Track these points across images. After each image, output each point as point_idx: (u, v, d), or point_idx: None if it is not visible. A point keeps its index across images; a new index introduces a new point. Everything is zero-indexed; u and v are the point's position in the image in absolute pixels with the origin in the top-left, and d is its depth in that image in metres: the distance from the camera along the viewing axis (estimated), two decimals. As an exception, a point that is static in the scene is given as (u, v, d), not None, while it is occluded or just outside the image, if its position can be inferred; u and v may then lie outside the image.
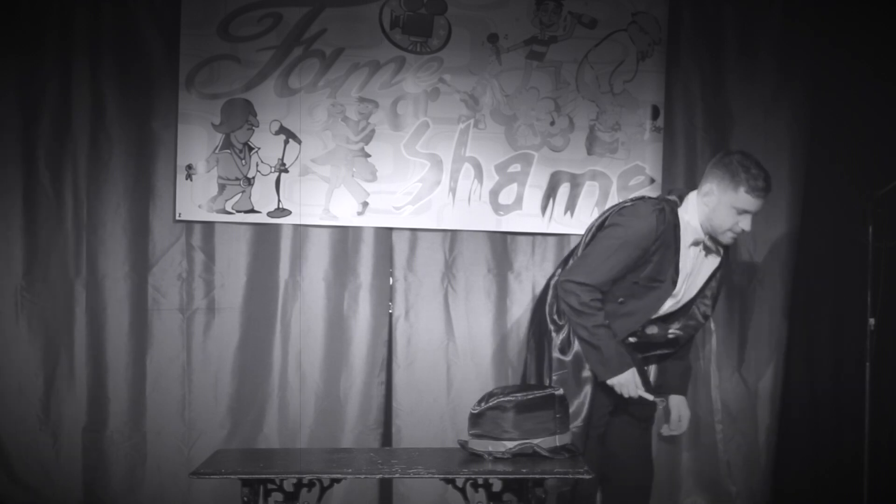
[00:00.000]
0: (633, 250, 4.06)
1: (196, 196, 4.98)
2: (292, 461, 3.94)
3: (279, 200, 4.98)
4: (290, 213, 4.99)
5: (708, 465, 5.05)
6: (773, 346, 5.06)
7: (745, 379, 5.07)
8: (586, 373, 4.13)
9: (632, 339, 4.18)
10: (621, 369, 4.06)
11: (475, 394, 4.33)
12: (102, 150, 4.99)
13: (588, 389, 4.13)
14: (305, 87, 4.96)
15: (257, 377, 5.03)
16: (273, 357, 5.04)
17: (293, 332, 5.03)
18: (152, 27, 4.96)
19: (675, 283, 4.09)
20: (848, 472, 4.88)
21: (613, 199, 4.91)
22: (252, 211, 4.99)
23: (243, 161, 4.98)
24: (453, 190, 5.01)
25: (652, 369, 4.39)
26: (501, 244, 5.07)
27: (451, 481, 3.93)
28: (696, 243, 4.13)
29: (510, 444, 3.91)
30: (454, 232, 5.05)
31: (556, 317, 4.22)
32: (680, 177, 5.04)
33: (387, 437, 5.06)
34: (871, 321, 4.62)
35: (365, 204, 5.00)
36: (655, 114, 5.03)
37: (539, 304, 4.37)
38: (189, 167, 4.97)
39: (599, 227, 4.19)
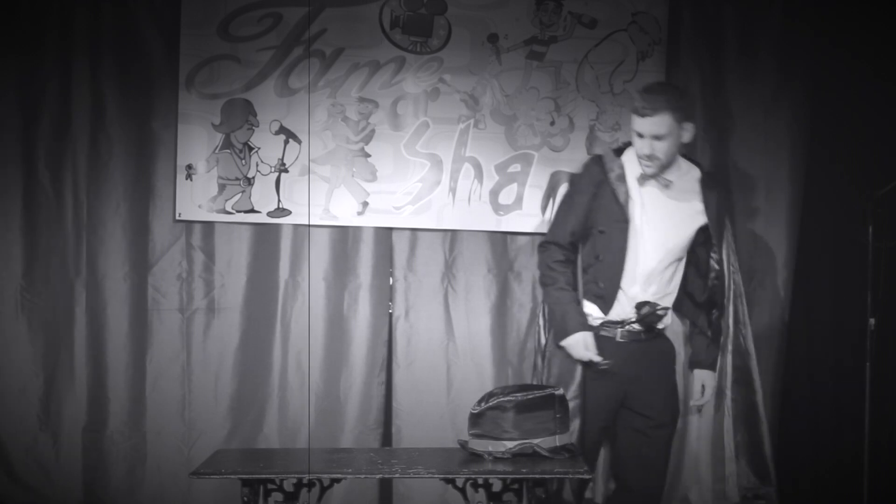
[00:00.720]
0: (579, 198, 4.19)
1: (196, 196, 4.98)
2: (292, 461, 3.94)
3: (279, 200, 4.98)
4: (290, 213, 4.99)
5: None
6: (774, 346, 5.06)
7: (745, 379, 5.07)
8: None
9: (636, 327, 4.17)
10: (570, 332, 4.14)
11: (475, 394, 4.33)
12: (102, 150, 4.99)
13: (579, 372, 4.17)
14: (305, 87, 4.96)
15: (257, 377, 5.03)
16: (273, 357, 5.04)
17: (293, 332, 5.04)
18: (152, 27, 4.97)
19: (628, 220, 4.11)
20: (848, 472, 4.89)
21: (613, 199, 4.91)
22: (252, 211, 5.00)
23: (243, 161, 4.98)
24: (453, 190, 5.01)
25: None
26: (501, 244, 5.07)
27: (451, 481, 3.92)
28: (642, 178, 4.15)
29: (510, 444, 3.90)
30: (454, 232, 5.05)
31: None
32: (680, 177, 5.04)
33: (387, 437, 5.06)
34: (871, 321, 4.62)
35: (365, 204, 5.00)
36: (655, 114, 5.02)
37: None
38: (189, 167, 4.97)
39: None
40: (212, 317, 5.03)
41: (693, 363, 4.33)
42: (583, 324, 4.14)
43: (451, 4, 4.98)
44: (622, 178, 4.15)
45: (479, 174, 5.01)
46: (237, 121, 4.98)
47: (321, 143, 4.99)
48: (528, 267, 5.05)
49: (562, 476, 3.82)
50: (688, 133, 4.11)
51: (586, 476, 3.74)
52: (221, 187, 4.98)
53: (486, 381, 4.97)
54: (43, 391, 5.00)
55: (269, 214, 5.00)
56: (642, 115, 4.05)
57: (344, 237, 5.05)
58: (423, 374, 5.04)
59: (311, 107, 4.97)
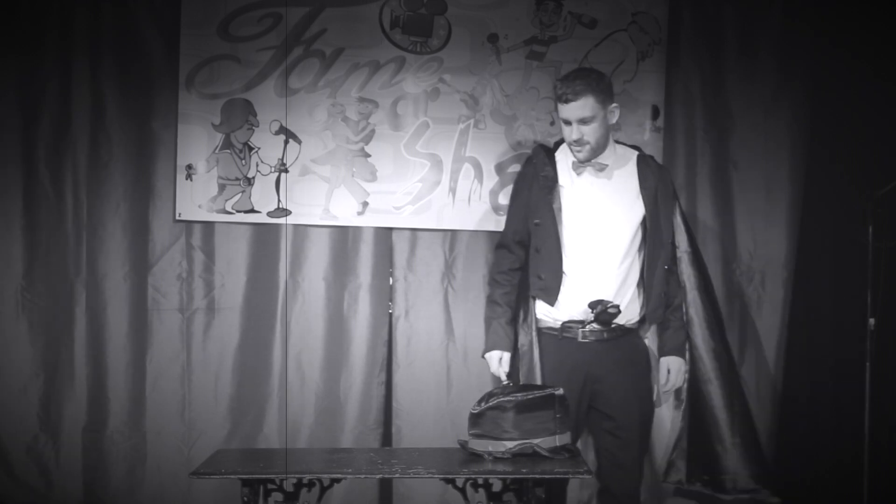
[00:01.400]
0: (517, 198, 4.37)
1: (196, 196, 4.98)
2: (292, 461, 3.94)
3: (279, 200, 4.98)
4: (290, 213, 4.99)
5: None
6: (773, 346, 5.06)
7: (745, 379, 5.07)
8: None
9: (596, 326, 4.18)
10: (489, 348, 4.34)
11: (475, 394, 4.33)
12: (102, 150, 4.99)
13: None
14: (305, 87, 4.97)
15: (257, 377, 5.03)
16: (273, 357, 5.04)
17: (293, 332, 5.04)
18: (152, 27, 4.97)
19: (560, 208, 4.19)
20: (848, 472, 4.88)
21: (613, 199, 4.91)
22: (252, 211, 5.00)
23: (243, 161, 4.98)
24: (453, 190, 5.01)
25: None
26: (501, 244, 5.07)
27: (451, 481, 3.93)
28: (576, 165, 4.23)
29: (510, 444, 3.91)
30: (454, 232, 5.05)
31: None
32: (680, 176, 5.03)
33: (387, 437, 5.06)
34: (871, 321, 4.62)
35: (365, 204, 5.00)
36: (655, 114, 5.03)
37: None
38: (189, 167, 4.97)
39: None
40: (212, 317, 5.03)
41: (660, 351, 4.37)
42: (503, 341, 4.30)
43: (451, 4, 4.98)
44: (553, 167, 4.26)
45: (479, 174, 5.01)
46: (237, 121, 4.98)
47: (321, 143, 4.99)
48: (528, 267, 5.05)
49: (562, 476, 3.82)
50: (614, 115, 4.21)
51: (586, 476, 3.74)
52: (221, 187, 4.98)
53: (486, 381, 4.96)
54: (43, 391, 5.00)
55: (269, 214, 5.00)
56: (566, 102, 4.13)
57: (344, 237, 5.05)
58: (423, 374, 5.04)
59: (311, 107, 4.97)
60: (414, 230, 5.05)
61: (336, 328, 5.05)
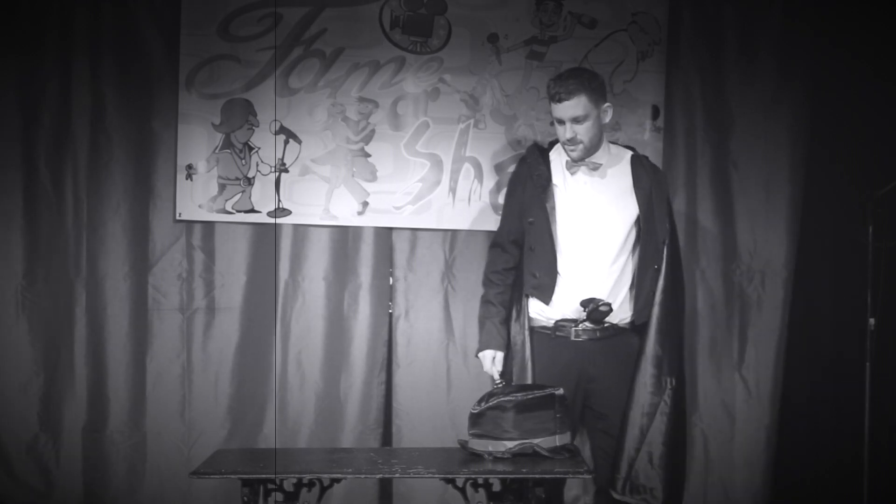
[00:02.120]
0: (512, 197, 4.38)
1: (196, 196, 4.98)
2: (292, 461, 3.94)
3: (279, 200, 4.98)
4: (290, 213, 4.99)
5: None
6: (773, 346, 5.06)
7: (745, 379, 5.07)
8: None
9: (589, 325, 4.18)
10: (482, 347, 4.35)
11: (475, 394, 4.33)
12: (102, 150, 4.99)
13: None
14: (305, 87, 4.97)
15: (257, 377, 5.03)
16: (273, 357, 5.04)
17: (293, 332, 5.04)
18: (152, 27, 4.97)
19: (554, 207, 4.20)
20: (848, 472, 4.88)
21: (613, 199, 4.91)
22: (252, 211, 5.00)
23: (243, 161, 4.98)
24: (453, 190, 5.01)
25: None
26: (501, 244, 5.07)
27: (451, 481, 3.93)
28: (570, 164, 4.24)
29: (510, 444, 3.91)
30: (454, 232, 5.05)
31: None
32: (680, 177, 5.04)
33: (387, 437, 5.06)
34: (871, 321, 4.62)
35: (365, 204, 5.00)
36: (655, 114, 5.03)
37: None
38: (189, 167, 4.97)
39: None
40: (212, 317, 5.03)
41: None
42: (496, 340, 4.31)
43: (451, 4, 4.98)
44: (547, 166, 4.27)
45: (479, 174, 5.01)
46: (237, 121, 4.98)
47: (321, 143, 4.99)
48: (528, 267, 5.05)
49: (562, 476, 3.82)
50: (607, 114, 4.21)
51: (587, 476, 3.73)
52: (221, 187, 4.98)
53: (486, 381, 4.95)
54: (43, 391, 5.00)
55: (269, 214, 5.00)
56: (559, 101, 4.14)
57: (344, 237, 5.05)
58: (423, 374, 5.04)
59: (311, 107, 4.97)
60: (414, 230, 5.05)
61: (336, 328, 5.05)
